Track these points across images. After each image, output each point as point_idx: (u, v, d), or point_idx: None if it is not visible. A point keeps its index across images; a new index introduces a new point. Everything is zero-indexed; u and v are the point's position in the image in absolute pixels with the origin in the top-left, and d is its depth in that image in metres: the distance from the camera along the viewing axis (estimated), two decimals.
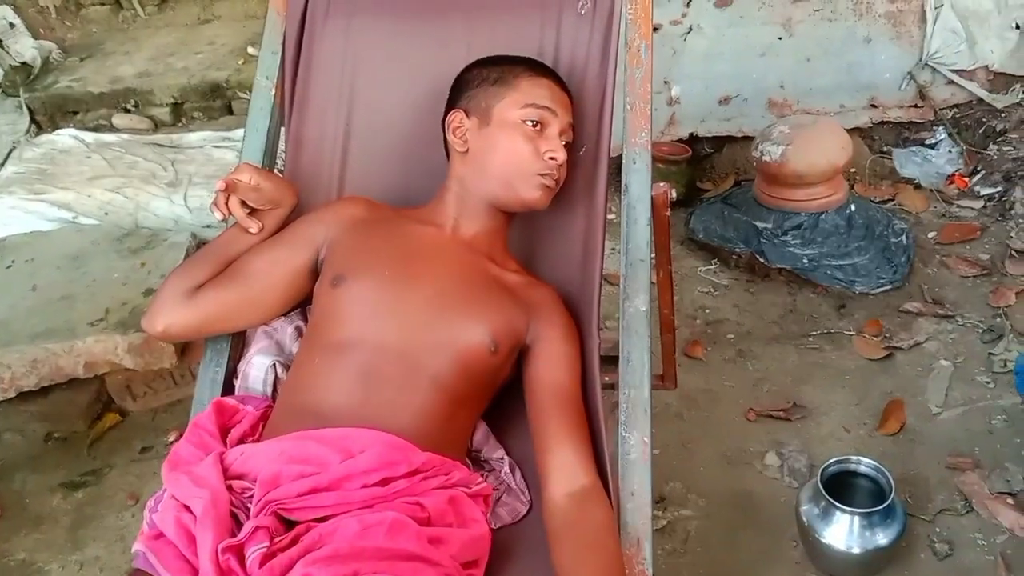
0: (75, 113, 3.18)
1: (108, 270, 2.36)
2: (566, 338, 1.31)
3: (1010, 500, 1.70)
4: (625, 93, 1.45)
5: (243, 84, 3.08)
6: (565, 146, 1.35)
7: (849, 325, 2.26)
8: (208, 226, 2.62)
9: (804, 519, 1.61)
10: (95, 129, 3.11)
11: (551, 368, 1.28)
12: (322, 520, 1.07)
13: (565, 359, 1.29)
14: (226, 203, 1.33)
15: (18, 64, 3.36)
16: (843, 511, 1.56)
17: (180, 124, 3.16)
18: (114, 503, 1.98)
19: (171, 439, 2.14)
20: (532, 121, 1.32)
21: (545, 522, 1.16)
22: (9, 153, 3.05)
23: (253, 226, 1.35)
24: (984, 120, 2.89)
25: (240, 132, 2.94)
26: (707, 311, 2.38)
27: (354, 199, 1.44)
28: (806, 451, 1.88)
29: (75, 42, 3.47)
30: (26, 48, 3.43)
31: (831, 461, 1.65)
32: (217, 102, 3.12)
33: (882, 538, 1.55)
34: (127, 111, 3.17)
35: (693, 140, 2.95)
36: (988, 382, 2.01)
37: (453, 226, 1.37)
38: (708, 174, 2.99)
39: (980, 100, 2.91)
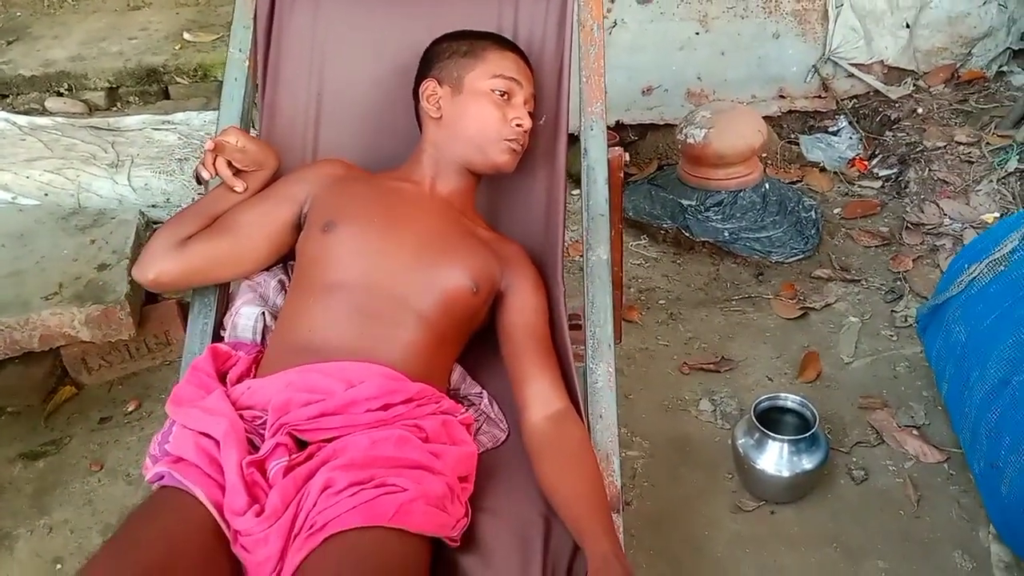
0: (4, 96, 3.14)
1: (56, 247, 2.38)
2: (535, 288, 1.44)
3: (915, 432, 1.93)
4: (580, 68, 1.60)
5: (180, 69, 3.10)
6: (529, 115, 1.49)
7: (767, 290, 2.48)
8: (153, 206, 2.65)
9: (740, 450, 1.80)
10: (27, 112, 3.07)
11: (524, 314, 1.41)
12: (331, 441, 1.18)
13: (536, 305, 1.42)
14: (213, 163, 1.42)
15: None
16: (775, 439, 1.75)
17: (115, 108, 3.16)
18: (78, 470, 2.01)
19: (130, 408, 2.18)
20: (500, 91, 1.45)
21: (526, 444, 1.29)
22: None
23: (239, 185, 1.44)
24: (880, 110, 3.18)
25: (180, 115, 2.98)
26: (640, 280, 2.57)
27: (332, 160, 1.54)
28: (736, 397, 2.08)
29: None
30: None
31: (762, 398, 1.84)
32: (154, 86, 3.13)
33: (807, 463, 1.75)
34: (60, 95, 3.14)
35: (619, 127, 3.14)
36: (892, 335, 2.25)
37: (430, 184, 1.48)
38: (633, 159, 3.18)
39: (877, 91, 3.20)
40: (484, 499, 1.25)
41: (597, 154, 1.55)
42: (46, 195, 2.67)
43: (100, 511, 1.89)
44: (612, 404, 1.37)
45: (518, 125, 1.45)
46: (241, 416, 1.20)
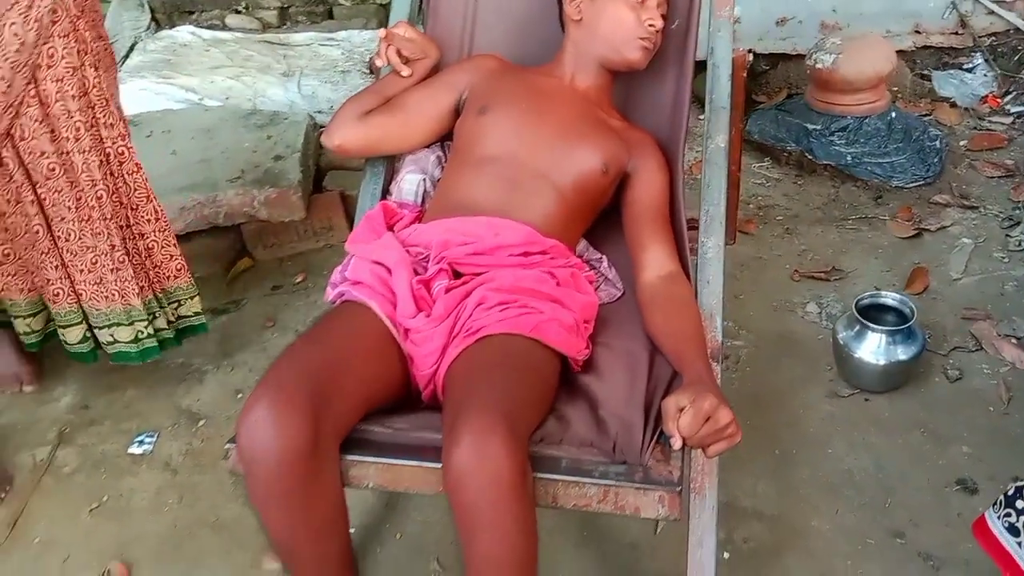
0: (191, 12, 3.53)
1: (238, 140, 2.72)
2: (659, 169, 1.63)
3: (1014, 341, 2.03)
4: None
5: None
6: (662, 16, 1.67)
7: (884, 212, 2.58)
8: (319, 111, 2.97)
9: (840, 341, 1.95)
10: (210, 27, 3.45)
11: (647, 191, 1.61)
12: (481, 274, 1.43)
13: (658, 185, 1.62)
14: (386, 51, 1.68)
15: None
16: (873, 330, 1.90)
17: (286, 26, 3.50)
18: (255, 325, 2.36)
19: (298, 280, 2.52)
20: None
21: (638, 297, 1.49)
22: (133, 45, 3.42)
23: (405, 71, 1.70)
24: (1020, 48, 3.15)
25: (343, 33, 3.30)
26: (760, 198, 2.71)
27: (490, 55, 1.77)
28: (842, 301, 2.22)
29: None
30: None
31: (864, 295, 1.99)
32: (320, 7, 3.46)
33: (903, 354, 1.89)
34: (238, 12, 3.51)
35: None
36: (1004, 258, 2.33)
37: (570, 79, 1.69)
38: (763, 88, 3.28)
39: (1017, 29, 3.17)
40: (600, 336, 1.48)
41: (723, 53, 1.71)
42: (227, 98, 3.03)
43: (273, 356, 2.20)
44: (719, 271, 1.55)
45: (651, 25, 1.63)
46: (407, 252, 1.47)
